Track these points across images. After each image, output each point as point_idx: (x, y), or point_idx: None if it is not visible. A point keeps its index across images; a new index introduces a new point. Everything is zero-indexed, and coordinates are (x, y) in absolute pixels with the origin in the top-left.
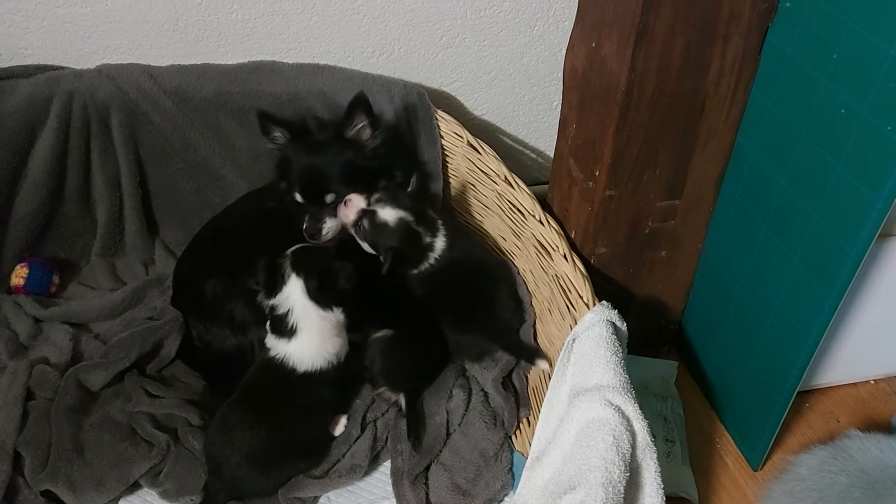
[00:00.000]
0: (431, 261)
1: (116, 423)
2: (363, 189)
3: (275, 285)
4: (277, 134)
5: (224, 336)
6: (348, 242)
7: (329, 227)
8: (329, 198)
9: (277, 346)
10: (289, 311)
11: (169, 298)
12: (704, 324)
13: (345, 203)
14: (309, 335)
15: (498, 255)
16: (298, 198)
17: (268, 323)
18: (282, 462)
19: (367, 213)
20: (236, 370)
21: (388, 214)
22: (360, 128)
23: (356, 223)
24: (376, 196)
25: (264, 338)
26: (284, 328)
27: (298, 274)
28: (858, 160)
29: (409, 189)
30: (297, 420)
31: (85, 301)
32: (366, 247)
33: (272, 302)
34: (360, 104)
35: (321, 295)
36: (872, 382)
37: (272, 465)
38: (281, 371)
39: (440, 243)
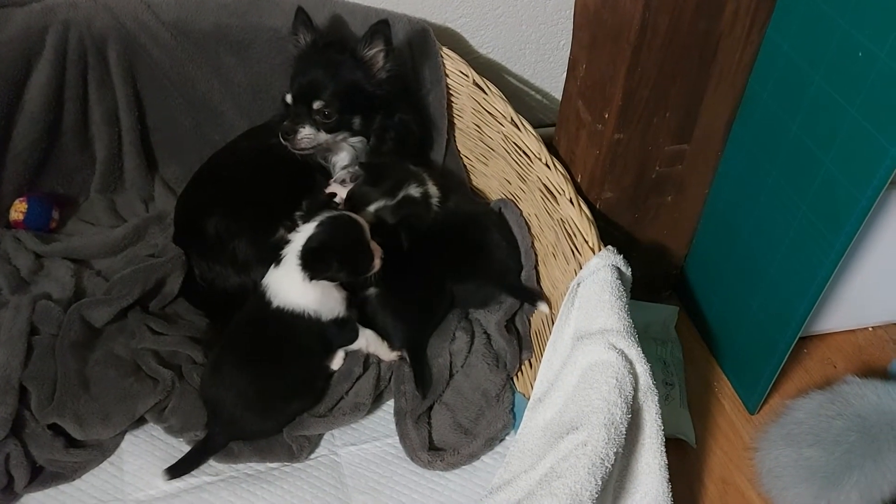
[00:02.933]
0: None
1: (121, 360)
2: (356, 114)
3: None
4: (300, 36)
5: (227, 274)
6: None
7: (307, 135)
8: (317, 104)
9: (268, 274)
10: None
11: (170, 236)
12: (707, 269)
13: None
14: (289, 269)
15: (481, 201)
16: (289, 99)
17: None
18: (274, 403)
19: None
20: (239, 309)
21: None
22: (376, 52)
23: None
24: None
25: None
26: (279, 256)
27: (308, 239)
28: (874, 105)
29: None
30: (281, 360)
31: (85, 237)
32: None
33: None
34: (382, 30)
35: (307, 268)
36: (870, 329)
37: (265, 406)
38: (258, 304)
39: (433, 189)
